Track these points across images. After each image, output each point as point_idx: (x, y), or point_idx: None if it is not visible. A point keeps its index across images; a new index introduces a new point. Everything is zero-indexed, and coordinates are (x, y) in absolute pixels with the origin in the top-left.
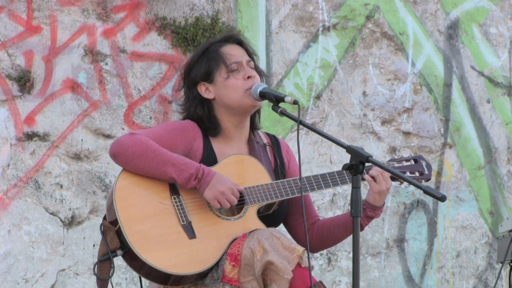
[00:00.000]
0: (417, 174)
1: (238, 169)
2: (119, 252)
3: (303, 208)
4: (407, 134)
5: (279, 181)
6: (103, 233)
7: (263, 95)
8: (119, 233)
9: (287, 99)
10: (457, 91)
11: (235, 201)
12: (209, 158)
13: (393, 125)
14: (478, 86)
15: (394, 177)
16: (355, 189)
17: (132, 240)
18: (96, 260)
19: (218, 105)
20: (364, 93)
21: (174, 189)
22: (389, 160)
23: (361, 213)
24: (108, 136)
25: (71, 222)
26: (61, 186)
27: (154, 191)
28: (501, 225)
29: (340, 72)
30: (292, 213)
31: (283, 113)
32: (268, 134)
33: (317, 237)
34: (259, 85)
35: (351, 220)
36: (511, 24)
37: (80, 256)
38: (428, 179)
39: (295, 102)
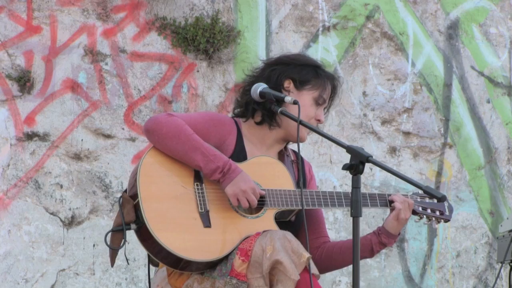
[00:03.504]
0: (437, 213)
1: (264, 170)
2: (133, 225)
3: (303, 210)
4: (407, 134)
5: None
6: (121, 204)
7: (263, 95)
8: (137, 208)
9: (287, 99)
10: (457, 91)
11: (255, 202)
12: (239, 156)
13: (393, 125)
14: (478, 86)
15: (414, 211)
16: (355, 189)
17: (149, 216)
18: (96, 260)
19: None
20: (364, 93)
21: (198, 176)
22: (413, 194)
23: (361, 213)
24: (108, 136)
25: (71, 222)
26: (61, 186)
27: (178, 174)
28: (501, 225)
29: (340, 72)
30: (304, 227)
31: (283, 113)
32: (294, 152)
33: (325, 257)
34: (259, 85)
35: (362, 244)
36: (511, 24)
37: (80, 256)
38: (447, 220)
39: (295, 102)
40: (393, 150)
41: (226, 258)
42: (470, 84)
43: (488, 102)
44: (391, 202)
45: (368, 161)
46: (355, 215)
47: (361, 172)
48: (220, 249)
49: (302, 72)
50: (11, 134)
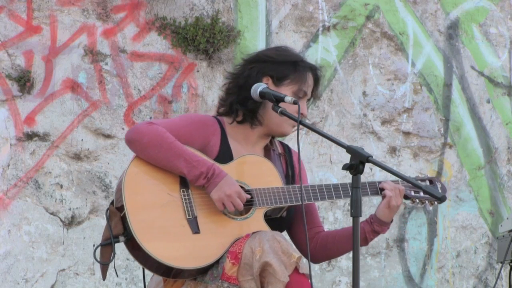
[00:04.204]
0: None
1: (251, 169)
2: (121, 238)
3: (303, 211)
4: (407, 134)
5: (290, 186)
6: (108, 217)
7: (263, 95)
8: (124, 220)
9: (287, 99)
10: (457, 91)
11: (241, 206)
12: (225, 156)
13: (393, 125)
14: (478, 86)
15: (406, 195)
16: (355, 189)
17: (136, 228)
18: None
19: (263, 107)
20: (364, 93)
21: (184, 182)
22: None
23: (361, 213)
24: (108, 136)
25: (71, 222)
26: (61, 186)
27: (164, 182)
28: (501, 225)
29: (340, 72)
30: (297, 220)
31: (283, 113)
32: (281, 143)
33: (320, 247)
34: (259, 85)
35: None
36: (511, 24)
37: (80, 256)
38: (441, 202)
39: (295, 102)
40: (393, 150)
41: (217, 261)
42: (470, 84)
43: (488, 102)
44: (382, 189)
45: (368, 161)
46: (355, 215)
47: (361, 172)
48: (211, 254)
49: (279, 69)
50: (11, 134)
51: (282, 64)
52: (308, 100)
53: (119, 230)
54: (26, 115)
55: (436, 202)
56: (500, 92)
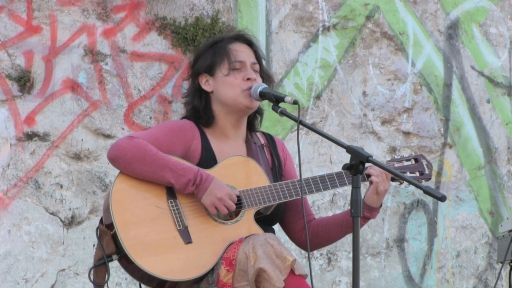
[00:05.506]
0: (417, 174)
1: (237, 171)
2: (114, 256)
3: (303, 210)
4: (407, 134)
5: (277, 183)
6: (99, 237)
7: (263, 95)
8: (115, 238)
9: (287, 99)
10: (457, 91)
11: (233, 207)
12: (208, 158)
13: (393, 125)
14: (478, 86)
15: (394, 177)
16: (355, 189)
17: (128, 245)
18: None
19: (215, 100)
20: (364, 93)
21: (171, 192)
22: (389, 160)
23: (361, 213)
24: (108, 136)
25: (71, 222)
26: (61, 186)
27: (151, 195)
28: (501, 225)
29: (340, 72)
30: (288, 212)
31: (283, 113)
32: (263, 133)
33: (312, 235)
34: (259, 85)
35: (347, 220)
36: (511, 24)
37: (80, 256)
38: (428, 179)
39: (295, 102)
40: (393, 150)
41: (211, 268)
42: (470, 84)
43: (488, 102)
44: (368, 175)
45: (368, 161)
46: (355, 215)
47: (361, 172)
48: (206, 263)
49: (203, 62)
50: (11, 134)
51: (203, 56)
52: (259, 63)
53: (111, 249)
54: (26, 115)
55: (423, 181)
56: (500, 92)
